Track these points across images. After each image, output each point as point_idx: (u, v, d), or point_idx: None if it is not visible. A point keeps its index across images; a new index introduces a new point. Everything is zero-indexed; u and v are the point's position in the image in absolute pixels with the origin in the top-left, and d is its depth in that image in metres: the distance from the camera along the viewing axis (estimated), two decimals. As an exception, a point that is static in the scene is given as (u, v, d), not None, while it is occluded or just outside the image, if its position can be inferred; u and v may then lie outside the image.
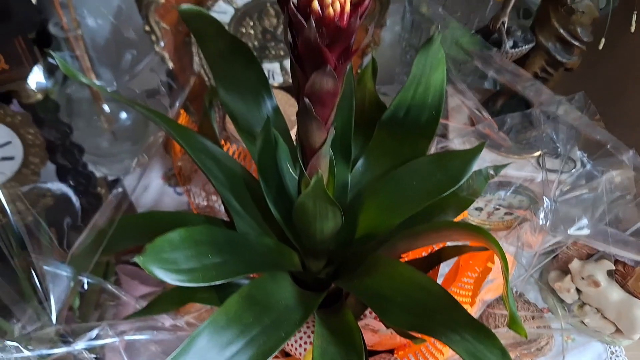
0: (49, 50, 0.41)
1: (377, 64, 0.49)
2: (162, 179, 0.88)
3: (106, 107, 0.80)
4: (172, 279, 0.36)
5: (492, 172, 0.50)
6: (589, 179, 0.51)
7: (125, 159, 0.86)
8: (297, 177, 0.49)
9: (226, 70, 0.50)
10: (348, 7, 0.35)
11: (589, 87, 0.63)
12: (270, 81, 0.76)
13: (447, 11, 0.83)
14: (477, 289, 0.46)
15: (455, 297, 0.50)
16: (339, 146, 0.51)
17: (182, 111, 0.56)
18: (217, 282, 0.38)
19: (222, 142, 0.59)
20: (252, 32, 0.70)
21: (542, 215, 0.43)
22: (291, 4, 0.34)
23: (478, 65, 0.50)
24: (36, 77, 0.47)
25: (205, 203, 0.76)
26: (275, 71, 0.75)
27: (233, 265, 0.41)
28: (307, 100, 0.38)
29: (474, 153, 0.46)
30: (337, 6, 0.34)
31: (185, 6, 0.43)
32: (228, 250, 0.42)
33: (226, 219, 0.66)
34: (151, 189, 0.87)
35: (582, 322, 0.74)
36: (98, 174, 0.81)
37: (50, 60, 0.45)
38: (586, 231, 0.44)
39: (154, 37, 0.67)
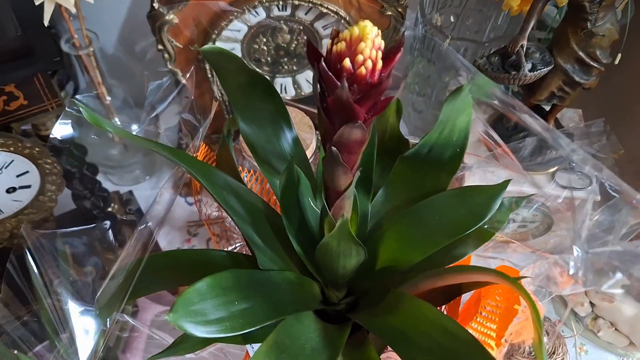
0: (74, 97, 0.40)
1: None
2: (172, 189, 0.87)
3: (117, 120, 0.79)
4: (202, 332, 0.36)
5: (514, 202, 0.50)
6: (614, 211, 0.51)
7: (136, 169, 0.86)
8: (318, 211, 0.49)
9: (246, 103, 0.50)
10: (380, 64, 0.34)
11: (601, 99, 0.62)
12: (283, 95, 0.76)
13: (459, 20, 0.82)
14: (503, 330, 0.46)
15: (478, 332, 0.51)
16: (360, 178, 0.51)
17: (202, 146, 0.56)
18: (245, 331, 0.39)
19: (240, 168, 0.58)
20: (265, 48, 0.69)
21: (572, 264, 0.43)
22: (322, 62, 0.34)
23: (499, 108, 0.49)
24: (60, 131, 0.47)
25: (217, 213, 0.77)
26: (288, 85, 0.75)
27: (259, 310, 0.41)
28: (334, 149, 0.38)
29: (498, 189, 0.46)
30: (369, 64, 0.34)
31: (207, 47, 0.43)
32: (253, 293, 0.42)
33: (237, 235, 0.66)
34: (162, 199, 0.87)
35: (596, 334, 0.75)
36: (111, 188, 0.81)
37: (69, 109, 0.44)
38: (620, 290, 0.44)
39: (166, 55, 0.66)
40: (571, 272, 0.42)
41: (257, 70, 0.50)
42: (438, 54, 0.79)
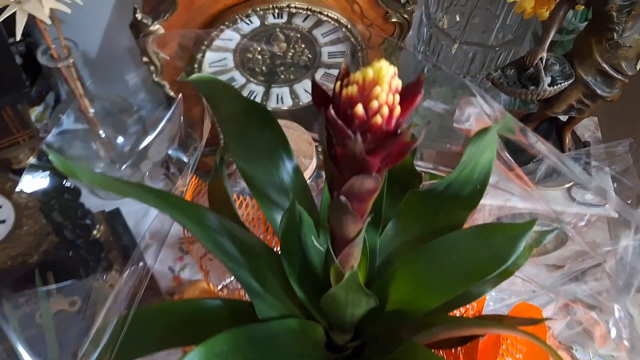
0: (42, 146, 0.35)
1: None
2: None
3: (102, 133, 0.74)
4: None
5: (536, 240, 0.45)
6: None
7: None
8: (322, 249, 0.45)
9: (240, 132, 0.45)
10: (398, 110, 0.29)
11: (617, 105, 0.58)
12: (279, 105, 0.71)
13: (466, 20, 0.77)
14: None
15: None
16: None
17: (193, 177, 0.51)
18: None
19: (235, 196, 0.54)
20: (259, 57, 0.64)
21: (611, 324, 0.39)
22: (330, 109, 0.29)
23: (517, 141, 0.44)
24: (29, 185, 0.42)
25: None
26: (285, 95, 0.69)
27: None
28: (343, 198, 0.33)
29: (523, 229, 0.41)
30: (385, 111, 0.29)
31: (196, 75, 0.38)
32: (253, 354, 0.38)
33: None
34: (151, 213, 0.82)
35: (612, 355, 0.71)
36: (97, 205, 0.76)
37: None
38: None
39: (152, 68, 0.61)
40: (612, 335, 0.38)
41: (252, 99, 0.45)
42: (444, 57, 0.74)
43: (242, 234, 0.44)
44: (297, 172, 0.48)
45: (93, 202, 0.80)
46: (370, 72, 0.28)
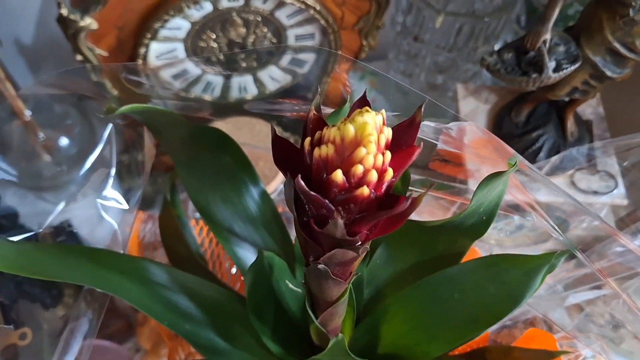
0: None
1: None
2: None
3: (41, 135, 0.65)
4: None
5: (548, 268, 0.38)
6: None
7: (71, 186, 0.72)
8: (300, 291, 0.38)
9: (190, 158, 0.37)
10: (390, 174, 0.22)
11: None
12: (243, 95, 0.62)
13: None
14: None
15: None
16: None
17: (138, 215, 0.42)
18: None
19: (193, 222, 0.46)
20: (215, 45, 0.55)
21: None
22: (299, 179, 0.21)
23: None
24: None
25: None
26: (249, 84, 0.61)
27: None
28: (322, 266, 0.26)
29: (539, 262, 0.34)
30: (373, 176, 0.21)
31: (126, 108, 0.29)
32: None
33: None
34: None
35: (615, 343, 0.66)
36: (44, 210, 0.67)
37: None
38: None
39: (89, 66, 0.52)
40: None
41: (201, 125, 0.37)
42: (427, 29, 0.65)
43: (200, 285, 0.36)
44: (265, 197, 0.40)
45: (40, 207, 0.71)
46: (350, 130, 0.20)
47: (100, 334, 0.65)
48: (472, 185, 0.54)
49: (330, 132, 0.21)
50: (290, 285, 0.37)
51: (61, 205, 0.68)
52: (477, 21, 0.62)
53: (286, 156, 0.23)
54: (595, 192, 0.59)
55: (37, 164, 0.68)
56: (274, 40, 0.56)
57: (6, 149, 0.65)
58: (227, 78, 0.59)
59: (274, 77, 0.60)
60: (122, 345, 0.65)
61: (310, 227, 0.23)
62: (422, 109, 0.24)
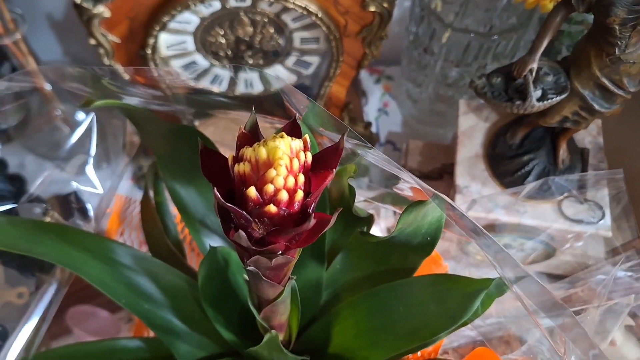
0: None
1: (359, 168, 0.38)
2: (131, 181, 0.78)
3: (60, 110, 0.69)
4: None
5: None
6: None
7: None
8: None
9: (170, 152, 0.39)
10: (300, 195, 0.24)
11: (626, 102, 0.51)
12: (249, 90, 0.64)
13: (461, 9, 0.69)
14: None
15: None
16: (310, 246, 0.41)
17: (119, 199, 0.45)
18: None
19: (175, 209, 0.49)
20: (223, 41, 0.58)
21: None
22: (215, 191, 0.23)
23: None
24: None
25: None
26: (255, 81, 0.63)
27: None
28: (253, 268, 0.28)
29: (479, 287, 0.36)
30: (284, 196, 0.23)
31: (101, 102, 0.32)
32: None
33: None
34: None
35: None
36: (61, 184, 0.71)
37: None
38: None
39: (102, 51, 0.55)
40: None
41: (181, 124, 0.39)
42: (436, 42, 0.66)
43: (165, 270, 0.39)
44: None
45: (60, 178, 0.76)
46: (263, 152, 0.22)
47: (94, 302, 0.69)
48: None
49: (247, 152, 0.23)
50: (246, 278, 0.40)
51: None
52: (485, 39, 0.63)
53: (216, 168, 0.25)
54: (581, 221, 0.60)
55: (55, 135, 0.72)
56: (280, 41, 0.58)
57: (28, 120, 0.69)
58: (235, 73, 0.61)
59: (279, 76, 0.63)
60: (114, 314, 0.68)
61: (229, 235, 0.26)
62: (345, 137, 0.25)
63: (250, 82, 0.63)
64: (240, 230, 0.23)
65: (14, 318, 0.61)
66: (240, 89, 0.64)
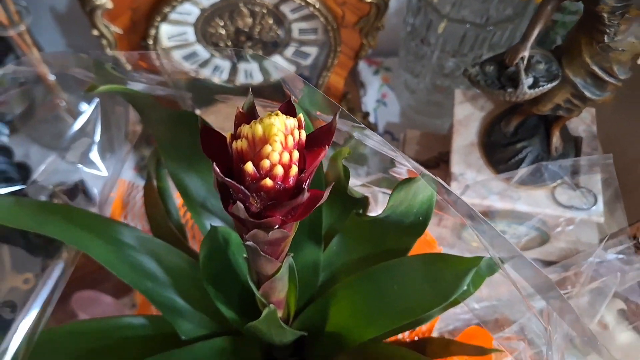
0: None
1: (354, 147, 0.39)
2: (134, 170, 0.79)
3: (64, 101, 0.70)
4: None
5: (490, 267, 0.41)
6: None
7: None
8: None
9: (172, 137, 0.41)
10: (294, 170, 0.25)
11: (619, 90, 0.52)
12: (248, 81, 0.66)
13: (459, 2, 0.70)
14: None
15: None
16: (307, 228, 0.43)
17: (122, 184, 0.47)
18: None
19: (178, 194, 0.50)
20: (223, 32, 0.59)
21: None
22: (215, 166, 0.24)
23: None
24: None
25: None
26: (254, 71, 0.64)
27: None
28: (251, 243, 0.29)
29: (469, 265, 0.37)
30: (279, 170, 0.25)
31: (105, 87, 0.33)
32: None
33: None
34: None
35: None
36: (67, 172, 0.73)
37: None
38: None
39: (104, 42, 0.56)
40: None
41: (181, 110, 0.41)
42: (433, 32, 0.68)
43: (168, 251, 0.41)
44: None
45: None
46: (259, 129, 0.24)
47: (99, 287, 0.70)
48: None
49: (244, 129, 0.24)
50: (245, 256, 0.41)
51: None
52: (480, 29, 0.64)
53: (215, 146, 0.27)
54: (573, 207, 0.61)
55: (59, 125, 0.73)
56: (279, 32, 0.60)
57: (32, 110, 0.70)
58: (235, 64, 0.63)
59: (278, 66, 0.64)
60: (118, 299, 0.70)
61: (228, 209, 0.27)
62: (337, 118, 0.27)
63: (250, 73, 0.64)
64: (238, 202, 0.24)
65: (20, 303, 0.63)
66: (240, 79, 0.65)
